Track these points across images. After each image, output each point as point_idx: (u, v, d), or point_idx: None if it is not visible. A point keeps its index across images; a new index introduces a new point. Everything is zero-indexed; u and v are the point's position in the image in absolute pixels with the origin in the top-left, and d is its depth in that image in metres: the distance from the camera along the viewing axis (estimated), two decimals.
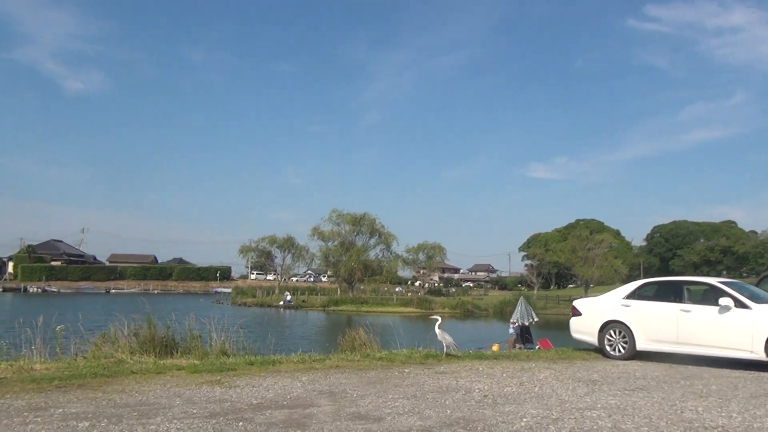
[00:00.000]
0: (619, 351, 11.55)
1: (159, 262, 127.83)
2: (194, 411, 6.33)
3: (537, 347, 17.48)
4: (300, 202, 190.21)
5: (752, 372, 9.83)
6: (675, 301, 11.22)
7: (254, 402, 6.88)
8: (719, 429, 5.73)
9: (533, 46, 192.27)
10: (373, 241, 76.30)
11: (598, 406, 6.81)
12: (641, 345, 11.30)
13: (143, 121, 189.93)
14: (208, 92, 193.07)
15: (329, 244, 75.58)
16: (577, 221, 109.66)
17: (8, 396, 6.96)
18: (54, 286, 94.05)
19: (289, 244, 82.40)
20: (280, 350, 14.70)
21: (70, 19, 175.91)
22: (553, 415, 6.30)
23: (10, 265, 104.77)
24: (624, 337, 11.54)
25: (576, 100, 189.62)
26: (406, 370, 9.59)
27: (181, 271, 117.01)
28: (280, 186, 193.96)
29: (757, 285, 13.57)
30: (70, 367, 9.02)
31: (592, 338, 12.07)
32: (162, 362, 9.86)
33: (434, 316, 11.80)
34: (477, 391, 7.79)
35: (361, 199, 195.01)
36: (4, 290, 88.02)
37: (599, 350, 12.05)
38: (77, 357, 10.48)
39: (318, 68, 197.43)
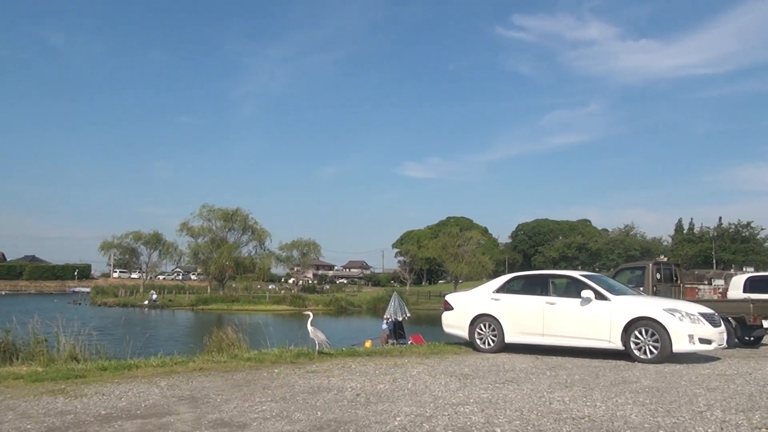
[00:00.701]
0: (489, 344, 11.77)
1: (7, 259, 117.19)
2: (28, 427, 5.53)
3: (409, 342, 17.59)
4: (170, 197, 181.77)
5: (610, 360, 10.33)
6: (541, 294, 11.60)
7: (102, 413, 6.15)
8: (586, 419, 5.80)
9: (408, 47, 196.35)
10: (245, 237, 74.48)
11: (471, 400, 6.74)
12: (510, 338, 11.57)
13: None
14: (71, 78, 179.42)
15: (199, 240, 72.80)
16: (448, 219, 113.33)
17: None
18: None
19: (155, 241, 78.32)
20: (141, 353, 13.69)
21: None
22: (426, 412, 6.13)
23: None
24: (493, 330, 11.76)
25: (449, 101, 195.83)
26: (276, 371, 9.13)
27: (34, 269, 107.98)
28: (148, 179, 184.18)
29: (613, 278, 14.41)
30: None
31: (463, 332, 12.22)
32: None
33: (306, 312, 11.43)
34: (349, 390, 7.51)
35: (236, 194, 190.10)
36: None
37: (470, 344, 12.22)
38: None
39: (191, 58, 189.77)
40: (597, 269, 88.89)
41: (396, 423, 5.66)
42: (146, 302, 63.53)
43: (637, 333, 10.29)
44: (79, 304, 66.28)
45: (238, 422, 5.75)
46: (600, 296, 10.81)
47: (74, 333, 11.07)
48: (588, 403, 6.58)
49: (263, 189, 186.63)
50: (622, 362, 10.16)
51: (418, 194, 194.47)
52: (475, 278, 69.87)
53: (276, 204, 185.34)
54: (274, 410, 6.28)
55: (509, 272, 13.47)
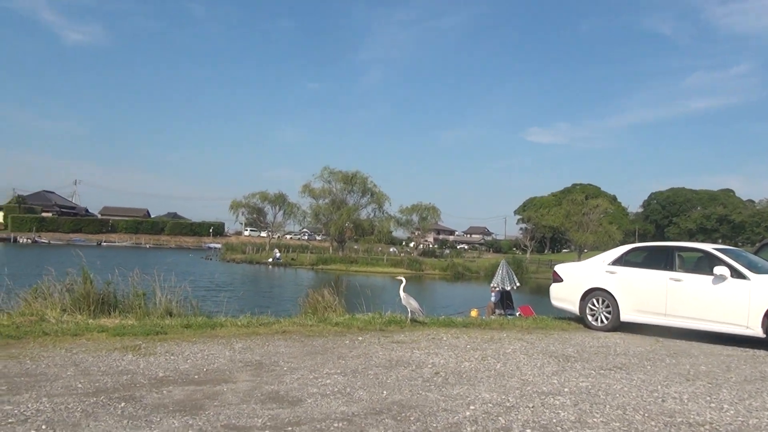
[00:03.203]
0: (602, 321, 10.55)
1: (152, 216, 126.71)
2: (78, 386, 5.27)
3: (518, 314, 16.52)
4: (298, 160, 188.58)
5: (747, 350, 8.82)
6: (665, 268, 10.15)
7: (160, 375, 5.82)
8: (706, 426, 4.68)
9: (538, 9, 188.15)
10: (364, 200, 74.87)
11: (565, 390, 5.76)
12: (626, 316, 10.28)
13: (141, 75, 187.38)
14: (208, 47, 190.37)
15: (320, 202, 74.27)
16: (574, 186, 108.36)
17: None
18: (45, 238, 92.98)
19: (280, 201, 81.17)
20: (243, 310, 13.73)
21: None
22: (508, 401, 5.25)
23: (0, 215, 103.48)
24: (607, 306, 10.52)
25: (579, 64, 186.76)
26: (360, 338, 8.55)
27: (174, 225, 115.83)
28: (277, 143, 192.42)
29: (755, 254, 12.46)
30: None
31: (573, 306, 11.05)
32: (89, 322, 8.80)
33: (399, 277, 10.71)
34: (429, 366, 6.75)
35: (358, 157, 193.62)
36: None
37: (580, 320, 11.05)
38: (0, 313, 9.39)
39: (319, 24, 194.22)
40: (739, 244, 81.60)
41: (467, 413, 4.84)
42: (270, 260, 66.07)
43: None
44: (210, 259, 70.24)
45: (293, 397, 5.18)
46: (737, 274, 9.24)
47: (171, 287, 11.07)
48: (712, 404, 5.40)
49: (385, 153, 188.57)
50: (762, 353, 8.63)
51: (543, 160, 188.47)
52: (601, 248, 66.16)
53: (397, 168, 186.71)
54: (338, 385, 5.67)
55: (640, 243, 12.00)
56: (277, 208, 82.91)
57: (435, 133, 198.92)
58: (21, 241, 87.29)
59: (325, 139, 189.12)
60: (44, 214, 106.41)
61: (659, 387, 6.06)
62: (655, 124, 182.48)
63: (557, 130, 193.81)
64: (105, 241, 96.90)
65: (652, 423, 4.71)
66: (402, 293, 10.16)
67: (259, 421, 4.50)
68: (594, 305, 10.71)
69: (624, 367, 7.08)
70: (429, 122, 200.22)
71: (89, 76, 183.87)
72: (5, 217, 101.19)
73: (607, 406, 5.21)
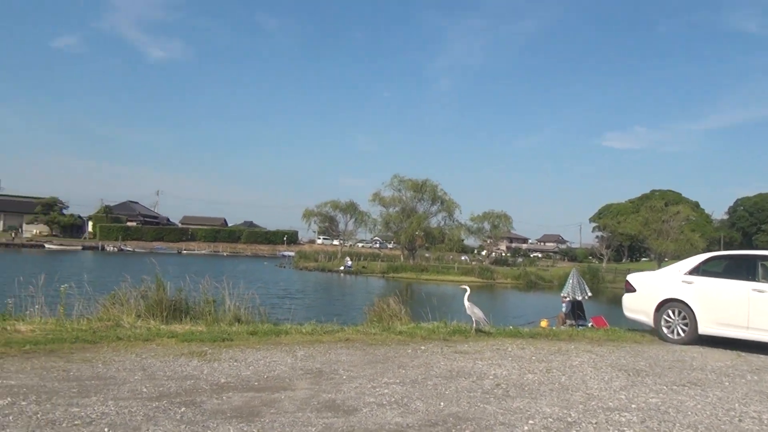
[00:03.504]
0: (678, 334, 10.06)
1: (229, 225, 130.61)
2: (144, 390, 5.44)
3: (590, 324, 15.99)
4: (370, 169, 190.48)
5: None
6: (747, 278, 9.59)
7: (222, 381, 5.94)
8: None
9: (613, 10, 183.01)
10: (434, 208, 74.70)
11: (633, 406, 5.50)
12: (704, 328, 9.75)
13: (218, 88, 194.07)
14: (282, 59, 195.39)
15: (390, 210, 74.58)
16: (653, 192, 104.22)
17: None
18: (129, 246, 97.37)
19: (351, 209, 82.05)
20: (312, 318, 13.89)
21: None
22: (570, 416, 5.05)
23: (90, 224, 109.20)
24: (684, 318, 10.01)
25: (658, 66, 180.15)
26: (423, 348, 8.46)
27: (250, 234, 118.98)
28: (351, 152, 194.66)
29: None
30: (57, 330, 8.35)
31: (647, 318, 10.59)
32: (161, 328, 9.10)
33: (463, 286, 10.54)
34: (491, 377, 6.60)
35: (430, 165, 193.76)
36: (84, 248, 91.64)
37: (655, 332, 10.57)
38: (79, 319, 9.85)
39: (390, 35, 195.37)
40: None
41: (525, 428, 4.69)
42: (341, 268, 66.83)
43: None
44: (284, 267, 71.68)
45: (349, 407, 5.16)
46: None
47: (240, 295, 11.32)
48: None
49: (456, 161, 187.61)
50: None
51: (620, 166, 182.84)
52: (682, 257, 63.15)
53: (469, 176, 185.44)
54: (395, 395, 5.62)
55: (719, 251, 11.39)
56: (348, 216, 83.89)
57: (507, 139, 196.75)
58: (108, 250, 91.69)
59: (397, 148, 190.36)
60: (129, 224, 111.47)
61: (737, 405, 5.69)
62: (740, 126, 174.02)
63: (635, 135, 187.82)
64: (184, 249, 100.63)
65: None
66: (466, 302, 10.01)
67: (313, 429, 4.50)
68: (670, 317, 10.23)
69: (699, 383, 6.70)
70: (501, 129, 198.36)
71: (170, 90, 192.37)
72: (94, 227, 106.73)
73: (677, 424, 4.93)
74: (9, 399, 4.93)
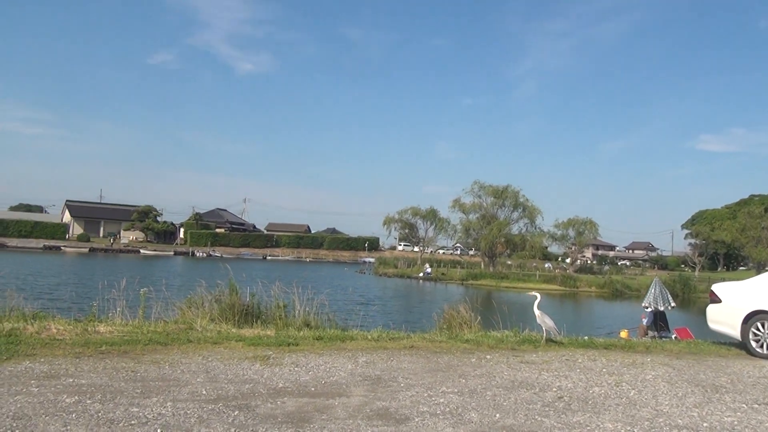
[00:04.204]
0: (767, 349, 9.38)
1: (312, 231, 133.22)
2: (203, 392, 5.57)
3: (673, 336, 15.16)
4: (452, 175, 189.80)
5: None
6: None
7: (280, 386, 6.00)
8: None
9: (706, 7, 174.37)
10: (516, 214, 73.25)
11: (705, 425, 5.14)
12: None
13: (304, 97, 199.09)
14: (366, 68, 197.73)
15: (470, 216, 73.78)
16: (751, 197, 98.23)
17: (42, 359, 6.65)
18: (218, 252, 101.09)
19: (431, 216, 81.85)
20: (386, 324, 13.94)
21: (241, 4, 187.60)
22: None
23: (181, 231, 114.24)
24: None
25: (756, 64, 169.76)
26: (488, 357, 8.27)
27: (332, 240, 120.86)
28: (433, 159, 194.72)
29: None
30: (133, 332, 8.73)
31: (734, 330, 9.95)
32: (231, 331, 9.35)
33: (533, 293, 10.19)
34: (554, 389, 6.36)
35: (512, 172, 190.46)
36: (175, 254, 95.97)
37: (743, 345, 9.90)
38: (156, 321, 10.25)
39: (473, 41, 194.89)
40: None
41: None
42: (421, 274, 66.69)
43: None
44: (365, 273, 72.33)
45: (401, 415, 5.09)
46: None
47: (309, 299, 11.47)
48: None
49: (541, 167, 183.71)
50: None
51: (715, 170, 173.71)
52: None
53: (553, 182, 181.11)
54: (450, 405, 5.50)
55: None
56: (429, 223, 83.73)
57: (594, 144, 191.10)
58: (198, 255, 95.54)
59: (479, 154, 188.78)
60: (218, 230, 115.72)
61: None
62: None
63: (732, 137, 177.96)
64: (269, 255, 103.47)
65: None
66: (536, 310, 9.71)
67: None
68: (759, 330, 9.56)
69: None
70: (588, 133, 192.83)
71: (258, 101, 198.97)
72: (185, 233, 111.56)
73: None
74: (76, 397, 5.17)
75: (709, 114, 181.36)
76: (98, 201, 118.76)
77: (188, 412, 4.90)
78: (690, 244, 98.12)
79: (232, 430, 4.52)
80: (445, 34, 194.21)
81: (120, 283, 10.89)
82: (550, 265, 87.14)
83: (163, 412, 4.87)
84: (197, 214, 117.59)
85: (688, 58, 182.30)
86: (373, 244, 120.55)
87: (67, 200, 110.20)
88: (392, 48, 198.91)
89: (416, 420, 4.97)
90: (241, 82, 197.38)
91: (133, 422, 4.57)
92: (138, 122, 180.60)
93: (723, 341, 10.83)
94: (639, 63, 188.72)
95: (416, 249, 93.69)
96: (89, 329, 8.71)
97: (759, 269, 67.91)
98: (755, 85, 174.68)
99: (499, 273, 66.13)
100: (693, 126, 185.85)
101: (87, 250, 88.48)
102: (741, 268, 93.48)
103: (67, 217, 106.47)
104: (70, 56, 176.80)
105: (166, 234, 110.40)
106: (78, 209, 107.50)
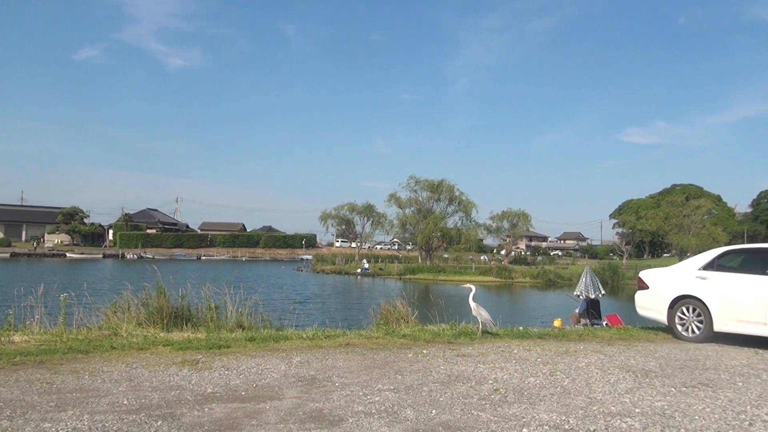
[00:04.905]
0: (693, 332, 9.70)
1: (248, 230, 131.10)
2: (125, 402, 5.24)
3: (604, 324, 15.57)
4: (390, 172, 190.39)
5: None
6: (765, 273, 9.18)
7: (208, 391, 5.73)
8: None
9: (631, 6, 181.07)
10: (451, 208, 74.10)
11: (636, 410, 5.19)
12: (720, 325, 9.37)
13: (237, 94, 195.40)
14: (301, 64, 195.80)
15: (406, 211, 74.19)
16: (674, 186, 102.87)
17: None
18: (149, 253, 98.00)
19: (368, 211, 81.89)
20: (318, 322, 13.72)
21: None
22: (567, 423, 4.77)
23: (110, 232, 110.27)
24: (699, 315, 9.65)
25: (678, 60, 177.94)
26: (425, 351, 8.20)
27: (268, 238, 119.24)
28: (370, 155, 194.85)
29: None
30: (52, 341, 8.22)
31: (661, 315, 10.24)
32: (158, 336, 8.95)
33: (467, 285, 10.19)
34: (491, 382, 6.32)
35: (449, 166, 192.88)
36: (104, 256, 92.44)
37: (670, 330, 10.21)
38: (79, 329, 9.71)
39: (408, 37, 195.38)
40: None
41: None
42: (358, 270, 66.60)
43: None
44: (302, 270, 71.66)
45: (335, 416, 4.92)
46: None
47: (243, 299, 11.14)
48: None
49: (476, 161, 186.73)
50: None
51: (640, 161, 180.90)
52: (705, 252, 62.18)
53: (488, 176, 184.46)
54: (386, 403, 5.37)
55: (734, 245, 10.92)
56: (365, 218, 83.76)
57: (527, 138, 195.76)
58: (128, 257, 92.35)
59: (416, 149, 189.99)
60: (149, 231, 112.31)
61: (748, 408, 5.36)
62: (763, 117, 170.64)
63: (655, 130, 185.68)
64: (204, 255, 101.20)
65: None
66: (471, 303, 9.71)
67: None
68: (684, 314, 9.87)
69: (711, 384, 6.37)
70: (520, 128, 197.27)
71: (189, 98, 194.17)
72: (114, 235, 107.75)
73: (682, 430, 4.63)
74: None
75: (634, 108, 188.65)
76: (19, 203, 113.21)
77: (106, 425, 4.58)
78: (617, 233, 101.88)
79: None
80: (380, 29, 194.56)
81: (37, 289, 10.25)
82: (486, 257, 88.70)
83: (79, 426, 4.54)
84: (127, 214, 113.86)
85: (615, 53, 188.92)
86: (311, 242, 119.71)
87: None
88: (327, 43, 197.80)
89: (350, 421, 4.81)
90: (171, 77, 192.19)
91: None
92: (63, 120, 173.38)
93: (651, 326, 11.14)
94: (568, 58, 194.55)
95: (354, 245, 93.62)
96: (2, 339, 8.15)
97: (681, 256, 71.13)
98: (676, 78, 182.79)
99: (436, 266, 66.72)
100: (619, 119, 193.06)
101: (8, 255, 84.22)
102: (665, 255, 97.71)
103: None
104: None
105: (94, 236, 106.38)
106: None
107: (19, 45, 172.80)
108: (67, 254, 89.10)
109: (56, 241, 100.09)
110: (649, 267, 12.01)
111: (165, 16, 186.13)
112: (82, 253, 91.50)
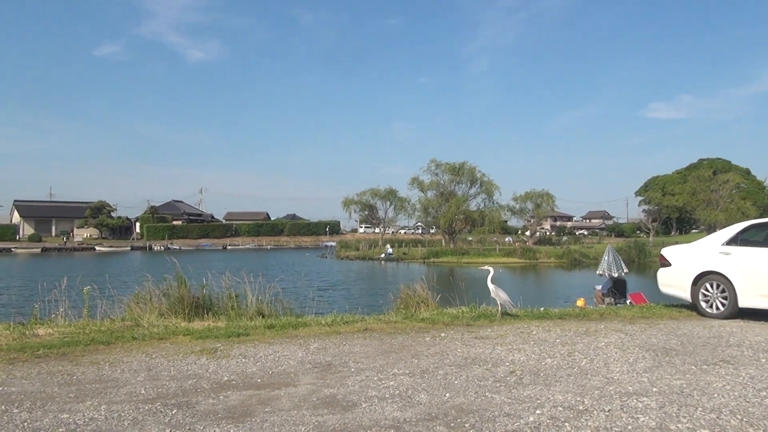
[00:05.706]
0: (717, 308, 9.52)
1: (272, 218, 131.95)
2: (142, 392, 5.31)
3: (628, 302, 15.39)
4: (410, 155, 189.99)
5: None
6: None
7: (224, 379, 5.78)
8: None
9: None
10: (473, 190, 73.67)
11: (654, 390, 5.11)
12: (745, 301, 9.19)
13: (257, 83, 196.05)
14: (318, 52, 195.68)
15: (428, 194, 73.97)
16: (701, 161, 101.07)
17: None
18: (176, 244, 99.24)
19: (390, 196, 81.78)
20: (339, 308, 13.75)
21: None
22: (582, 404, 4.71)
23: (137, 225, 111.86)
24: (723, 291, 9.47)
25: (703, 31, 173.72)
26: (443, 335, 8.17)
27: (293, 226, 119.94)
28: (390, 140, 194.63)
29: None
30: (75, 333, 8.36)
31: (684, 293, 10.08)
32: (179, 325, 9.05)
33: (485, 267, 10.12)
34: (507, 364, 6.28)
35: (470, 148, 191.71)
36: (132, 249, 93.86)
37: (694, 307, 10.05)
38: (102, 320, 9.86)
39: (425, 20, 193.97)
40: None
41: (531, 419, 4.37)
42: (382, 255, 66.69)
43: None
44: (326, 257, 71.99)
45: (348, 401, 4.93)
46: None
47: (263, 287, 11.19)
48: None
49: (497, 142, 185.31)
50: None
51: (666, 137, 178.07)
52: None
53: (510, 156, 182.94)
54: (400, 387, 5.36)
55: (758, 219, 10.69)
56: (388, 203, 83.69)
57: (548, 117, 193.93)
58: (155, 249, 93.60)
59: (436, 132, 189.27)
60: (175, 223, 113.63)
61: None
62: None
63: (680, 104, 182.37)
64: (229, 245, 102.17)
65: (750, 430, 4.03)
66: (490, 284, 9.64)
67: (303, 429, 4.29)
68: (707, 290, 9.69)
69: (732, 361, 6.25)
70: (541, 107, 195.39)
71: (210, 89, 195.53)
72: (141, 227, 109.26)
73: (699, 408, 4.55)
74: (3, 407, 4.85)
75: (658, 82, 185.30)
76: (48, 199, 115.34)
77: (122, 414, 4.65)
78: (643, 210, 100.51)
79: (168, 430, 4.29)
80: (397, 14, 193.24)
81: (61, 283, 10.41)
82: (510, 238, 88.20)
83: (96, 416, 4.61)
84: (153, 207, 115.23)
85: (636, 27, 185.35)
86: (334, 228, 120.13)
87: (15, 200, 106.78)
88: (345, 29, 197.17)
89: (363, 406, 4.82)
90: (191, 70, 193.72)
91: (60, 430, 4.30)
92: (87, 117, 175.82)
93: (675, 304, 10.98)
94: (588, 34, 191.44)
95: (377, 230, 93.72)
96: (27, 333, 8.31)
97: (710, 231, 69.98)
98: (700, 50, 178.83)
99: (459, 249, 66.57)
100: (643, 95, 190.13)
101: (39, 250, 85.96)
102: (693, 231, 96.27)
103: (16, 217, 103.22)
104: (11, 52, 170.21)
105: (121, 229, 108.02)
106: (27, 209, 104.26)
107: (40, 43, 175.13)
108: (96, 248, 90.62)
109: (85, 235, 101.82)
110: (677, 243, 11.85)
111: (182, 10, 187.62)
112: (110, 246, 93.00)
